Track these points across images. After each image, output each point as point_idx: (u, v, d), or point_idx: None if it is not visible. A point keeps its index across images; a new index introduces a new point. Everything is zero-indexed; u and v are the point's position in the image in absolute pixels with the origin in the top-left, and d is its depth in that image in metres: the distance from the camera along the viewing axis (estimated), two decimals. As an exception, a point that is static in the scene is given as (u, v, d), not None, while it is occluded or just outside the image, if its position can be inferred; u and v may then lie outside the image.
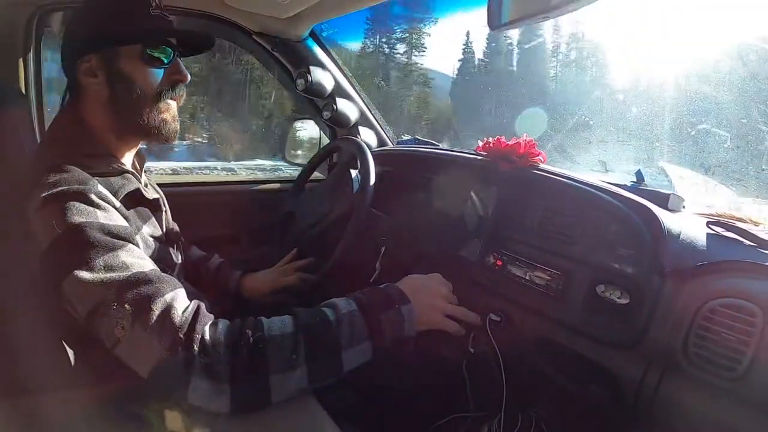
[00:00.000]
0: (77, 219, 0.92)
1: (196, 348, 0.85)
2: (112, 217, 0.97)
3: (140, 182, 1.17)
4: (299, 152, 2.36)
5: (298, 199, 1.82)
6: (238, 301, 1.60)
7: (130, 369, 0.89)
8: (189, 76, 1.18)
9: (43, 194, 0.94)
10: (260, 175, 2.54)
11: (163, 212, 1.24)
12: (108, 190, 1.02)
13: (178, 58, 1.18)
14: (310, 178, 1.95)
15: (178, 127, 1.20)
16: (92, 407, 0.91)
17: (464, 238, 1.56)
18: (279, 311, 1.01)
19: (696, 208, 1.47)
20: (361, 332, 0.98)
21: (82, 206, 0.93)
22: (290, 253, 1.69)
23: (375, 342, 0.99)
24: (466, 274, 1.53)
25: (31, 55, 1.62)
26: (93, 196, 0.95)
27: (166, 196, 1.36)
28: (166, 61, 1.14)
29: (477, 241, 1.52)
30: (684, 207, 1.40)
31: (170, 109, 1.16)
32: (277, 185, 2.38)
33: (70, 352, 0.99)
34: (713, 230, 1.26)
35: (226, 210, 2.21)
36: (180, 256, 1.32)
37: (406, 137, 2.28)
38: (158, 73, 1.13)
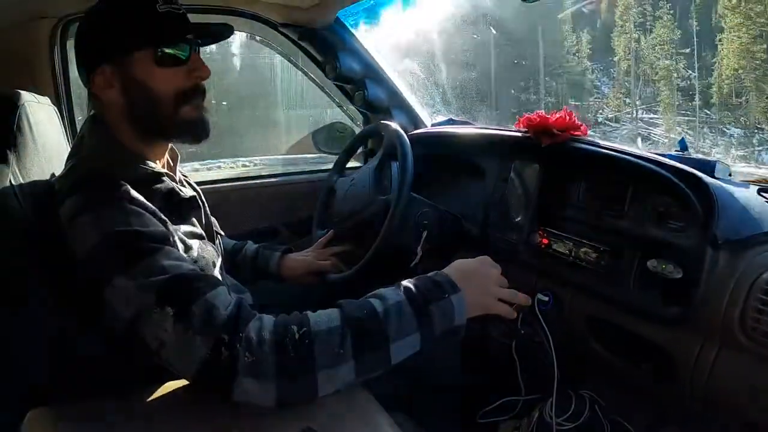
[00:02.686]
0: (111, 227, 0.91)
1: (240, 347, 0.84)
2: (146, 221, 0.96)
3: (175, 181, 1.16)
4: (331, 140, 2.34)
5: (340, 176, 1.79)
6: (280, 289, 1.62)
7: (172, 373, 0.90)
8: (209, 71, 1.13)
9: (76, 204, 0.94)
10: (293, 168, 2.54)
11: (201, 209, 1.23)
12: (141, 194, 1.00)
13: (197, 53, 1.13)
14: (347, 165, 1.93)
15: (208, 126, 1.15)
16: (133, 412, 0.92)
17: (508, 218, 1.54)
18: (323, 299, 1.00)
19: (743, 175, 1.41)
20: (410, 324, 0.95)
21: (116, 214, 0.93)
22: (327, 234, 1.68)
23: (424, 333, 0.96)
24: (511, 254, 1.50)
25: (57, 65, 1.64)
26: (126, 203, 0.95)
27: (203, 195, 1.35)
28: (182, 59, 1.09)
29: (521, 220, 1.49)
30: (730, 174, 1.35)
31: (196, 109, 1.12)
32: (312, 176, 2.39)
33: (112, 359, 1.00)
34: (765, 197, 1.20)
35: (262, 204, 2.23)
36: (220, 251, 1.32)
37: (441, 118, 2.25)
38: (176, 73, 1.09)
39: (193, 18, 1.14)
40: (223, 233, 1.49)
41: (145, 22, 1.05)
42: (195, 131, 1.13)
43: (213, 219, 1.35)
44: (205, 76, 1.12)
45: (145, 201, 0.99)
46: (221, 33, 1.22)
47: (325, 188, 1.77)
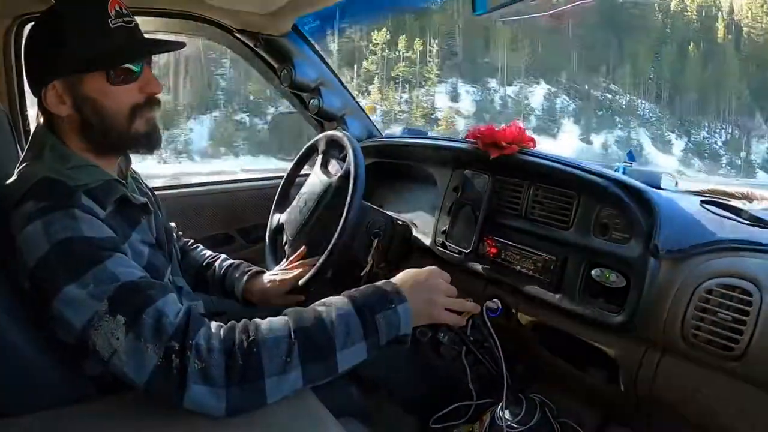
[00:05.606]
0: (62, 235, 0.91)
1: (190, 354, 0.85)
2: (97, 229, 0.95)
3: (126, 188, 1.15)
4: (287, 147, 2.33)
5: (284, 209, 1.73)
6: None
7: (123, 384, 0.89)
8: (162, 86, 1.12)
9: (26, 211, 0.93)
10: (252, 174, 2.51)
11: (152, 215, 1.22)
12: (93, 200, 1.00)
13: (149, 67, 1.11)
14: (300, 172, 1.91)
15: (160, 135, 1.16)
16: (84, 425, 0.90)
17: (458, 227, 1.56)
18: (273, 308, 1.00)
19: (688, 185, 1.46)
20: (357, 333, 0.96)
21: (67, 221, 0.92)
22: (298, 252, 1.61)
23: (370, 342, 0.97)
24: (460, 263, 1.53)
25: (12, 67, 1.59)
26: (76, 210, 0.94)
27: (159, 200, 1.34)
28: (134, 74, 1.08)
29: (470, 229, 1.52)
30: (676, 184, 1.40)
31: (149, 123, 1.11)
32: (265, 183, 2.38)
33: (62, 369, 0.98)
34: (707, 209, 1.26)
35: (215, 211, 2.21)
36: (173, 257, 1.30)
37: (396, 129, 2.27)
38: (128, 90, 1.07)
39: (147, 23, 1.12)
40: (187, 239, 1.54)
41: (96, 41, 1.03)
42: (149, 143, 1.13)
43: (167, 224, 1.34)
44: (157, 91, 1.11)
45: (96, 207, 0.98)
46: (172, 44, 1.18)
47: (272, 229, 1.74)
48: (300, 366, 0.90)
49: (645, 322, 1.14)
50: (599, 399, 1.39)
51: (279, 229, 1.70)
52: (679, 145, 61.27)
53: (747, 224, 1.20)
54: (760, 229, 1.18)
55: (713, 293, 1.04)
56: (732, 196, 1.38)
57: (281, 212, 1.73)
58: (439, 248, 1.61)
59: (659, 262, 1.14)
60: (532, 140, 1.47)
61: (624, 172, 1.38)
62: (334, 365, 0.94)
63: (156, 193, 1.34)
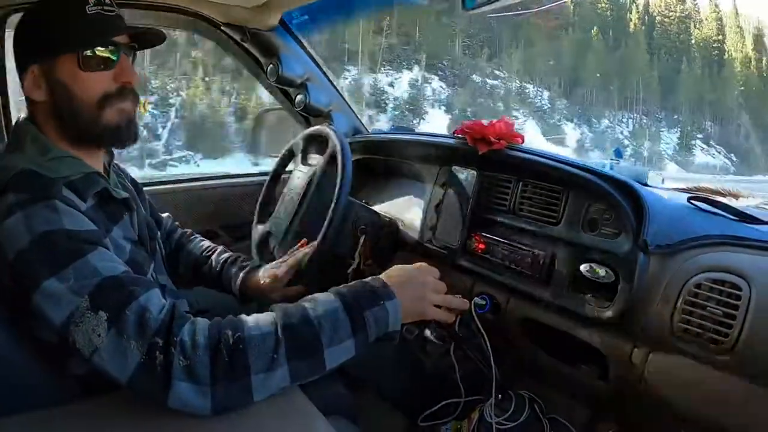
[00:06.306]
0: (43, 227, 0.89)
1: (174, 350, 0.84)
2: (78, 221, 0.94)
3: (108, 182, 1.13)
4: (273, 143, 2.30)
5: (266, 219, 1.72)
6: (217, 294, 1.55)
7: (107, 384, 0.88)
8: (137, 78, 1.11)
9: (7, 203, 0.91)
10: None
11: (134, 211, 1.20)
12: (74, 193, 0.98)
13: (127, 57, 1.10)
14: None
15: (135, 129, 1.13)
16: (68, 426, 0.89)
17: (445, 223, 1.55)
18: (259, 305, 0.99)
19: (675, 182, 1.47)
20: (345, 330, 0.95)
21: (47, 213, 0.91)
22: (300, 242, 1.53)
23: (358, 339, 0.96)
24: (448, 259, 1.53)
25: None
26: (58, 202, 0.93)
27: (145, 195, 1.33)
28: (112, 62, 1.06)
29: (458, 225, 1.51)
30: (663, 181, 1.41)
31: (121, 114, 1.09)
32: (249, 179, 2.36)
33: (46, 369, 0.97)
34: (695, 205, 1.26)
35: (199, 207, 2.19)
36: (157, 254, 1.29)
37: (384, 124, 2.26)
38: (100, 78, 1.06)
39: (134, 17, 1.11)
40: (185, 230, 1.56)
41: (70, 24, 1.03)
42: (118, 136, 1.11)
43: (150, 220, 1.32)
44: (130, 80, 1.09)
45: (77, 200, 0.97)
46: (153, 39, 1.18)
47: (258, 236, 1.71)
48: (287, 363, 0.89)
49: (634, 316, 1.14)
50: (589, 394, 1.39)
51: (264, 237, 1.68)
52: (574, 135, 58.43)
53: (735, 220, 1.21)
54: (748, 225, 1.19)
55: (702, 287, 1.05)
56: (719, 194, 1.38)
57: (263, 223, 1.71)
58: (427, 244, 1.61)
59: (648, 257, 1.14)
60: (520, 136, 1.46)
61: (611, 170, 1.38)
62: (321, 362, 0.93)
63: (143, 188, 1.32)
